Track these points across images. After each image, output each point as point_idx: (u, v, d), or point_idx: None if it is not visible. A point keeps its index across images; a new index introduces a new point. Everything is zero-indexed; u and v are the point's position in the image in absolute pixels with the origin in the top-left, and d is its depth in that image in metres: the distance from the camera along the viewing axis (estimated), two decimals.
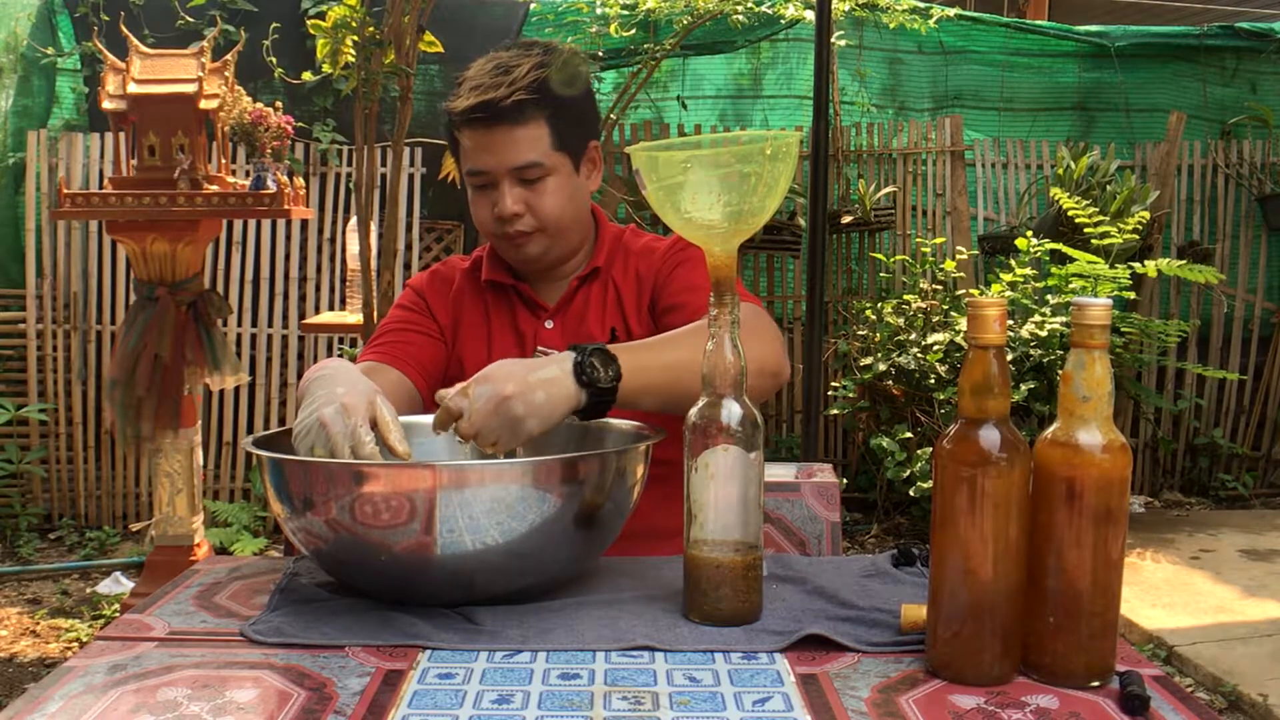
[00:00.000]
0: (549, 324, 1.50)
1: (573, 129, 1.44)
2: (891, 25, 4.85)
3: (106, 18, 4.42)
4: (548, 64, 1.40)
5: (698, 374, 1.10)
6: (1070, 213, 4.22)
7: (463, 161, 1.45)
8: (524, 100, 1.37)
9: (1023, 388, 3.82)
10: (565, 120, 1.42)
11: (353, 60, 3.12)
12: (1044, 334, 3.89)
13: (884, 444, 4.11)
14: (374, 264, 3.28)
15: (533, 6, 4.84)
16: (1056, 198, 4.37)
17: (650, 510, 1.24)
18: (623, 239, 1.54)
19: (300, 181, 3.29)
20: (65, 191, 2.99)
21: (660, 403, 1.22)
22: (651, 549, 1.31)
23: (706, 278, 1.43)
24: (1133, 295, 4.41)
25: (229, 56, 3.09)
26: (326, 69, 3.17)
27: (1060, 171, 4.64)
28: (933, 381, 4.10)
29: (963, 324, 3.96)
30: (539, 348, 1.48)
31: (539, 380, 1.11)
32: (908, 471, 4.01)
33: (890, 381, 4.24)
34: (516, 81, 1.38)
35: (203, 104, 2.97)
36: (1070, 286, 4.01)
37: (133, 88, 2.95)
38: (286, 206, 3.05)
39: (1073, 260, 3.98)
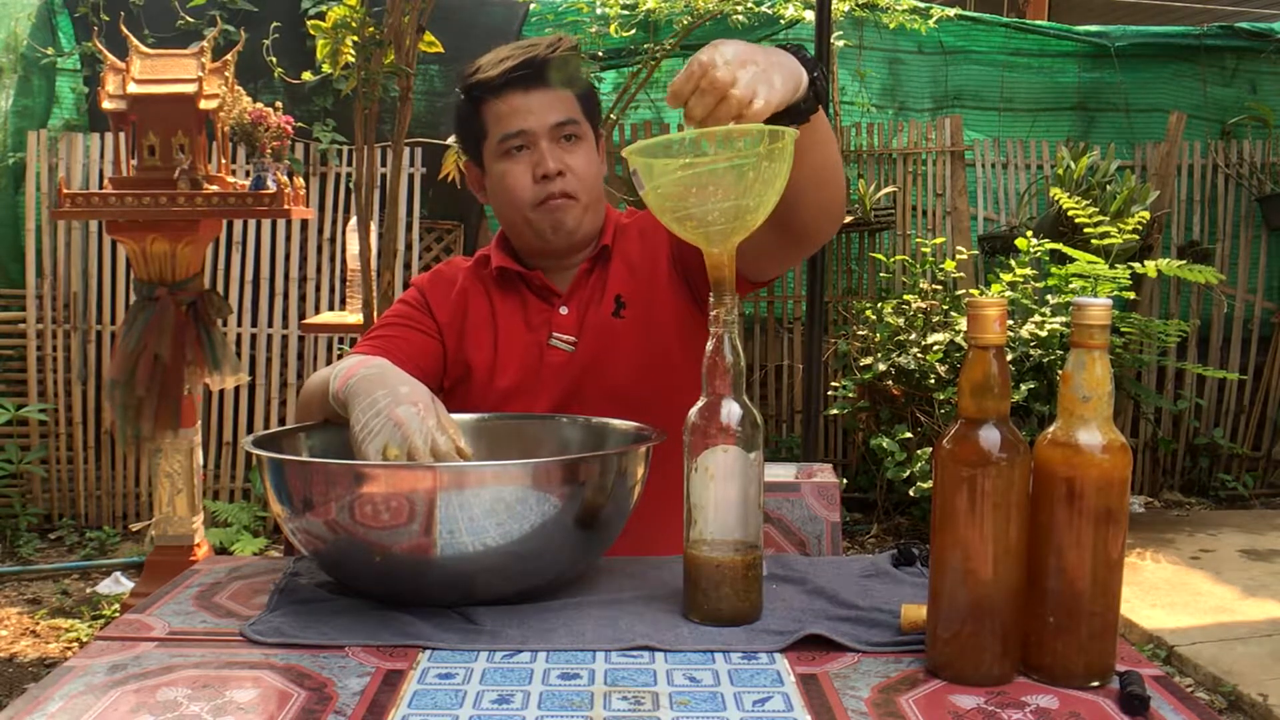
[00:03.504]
0: (564, 309, 1.49)
1: (590, 105, 1.50)
2: (891, 25, 4.85)
3: (106, 18, 4.42)
4: (564, 46, 1.46)
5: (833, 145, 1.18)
6: (1070, 213, 4.22)
7: (493, 133, 1.44)
8: (567, 58, 1.44)
9: (1023, 388, 3.82)
10: (584, 95, 1.49)
11: (353, 60, 3.12)
12: (1044, 334, 3.89)
13: (884, 444, 4.11)
14: (374, 264, 3.28)
15: (533, 6, 4.84)
16: (1056, 198, 4.37)
17: (645, 509, 1.24)
18: (620, 221, 1.56)
19: (300, 181, 3.29)
20: (65, 191, 2.99)
21: (819, 149, 1.18)
22: (648, 548, 1.31)
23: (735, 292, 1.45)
24: (1133, 295, 4.41)
25: (229, 56, 3.09)
26: (326, 69, 3.17)
27: (1060, 171, 4.64)
28: (933, 381, 4.10)
29: (963, 324, 3.96)
30: (554, 333, 1.47)
31: (768, 49, 1.07)
32: (908, 471, 4.01)
33: (890, 381, 4.24)
34: (553, 46, 1.44)
35: (203, 104, 2.97)
36: (1070, 286, 4.01)
37: (133, 88, 2.95)
38: (286, 206, 3.05)
39: (1073, 260, 3.98)
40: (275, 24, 3.91)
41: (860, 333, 4.55)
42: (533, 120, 1.42)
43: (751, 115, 1.00)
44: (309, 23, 3.28)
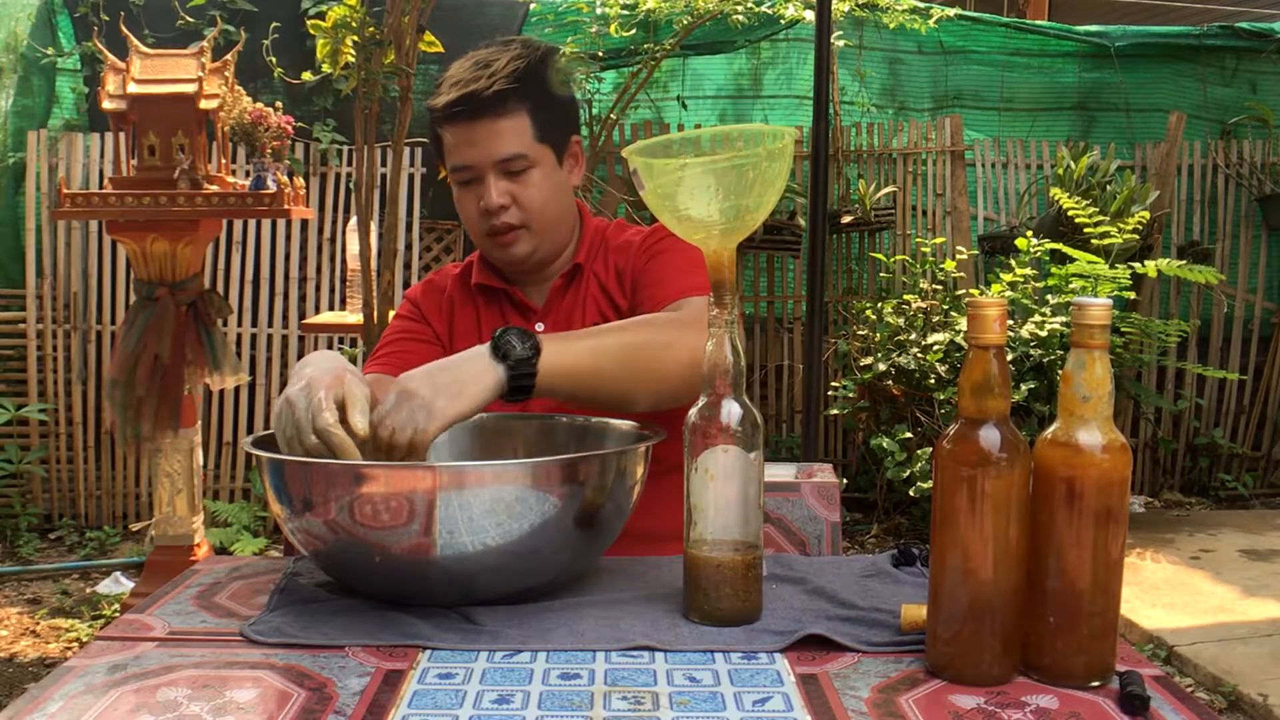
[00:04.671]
0: (540, 326, 1.49)
1: (554, 121, 1.44)
2: (891, 25, 4.85)
3: (106, 18, 4.42)
4: (526, 56, 1.41)
5: (625, 360, 1.15)
6: (1070, 213, 4.22)
7: (447, 159, 1.44)
8: (505, 91, 1.37)
9: (1023, 388, 3.82)
10: (547, 112, 1.43)
11: (353, 60, 3.12)
12: (1044, 334, 3.89)
13: (884, 444, 4.11)
14: (374, 264, 3.28)
15: (533, 6, 4.84)
16: (1056, 198, 4.37)
17: (645, 510, 1.24)
18: (605, 234, 1.54)
19: (300, 181, 3.29)
20: (65, 191, 2.99)
21: (587, 390, 1.21)
22: (647, 550, 1.31)
23: (677, 269, 1.42)
24: (1133, 295, 4.41)
25: (229, 56, 3.10)
26: (326, 69, 3.17)
27: (1060, 171, 4.64)
28: (933, 381, 4.10)
29: (963, 324, 3.96)
30: None
31: (446, 364, 1.13)
32: (908, 471, 4.01)
33: (890, 381, 4.23)
34: (497, 73, 1.38)
35: (203, 104, 2.97)
36: (1070, 286, 4.01)
37: (133, 88, 2.95)
38: (286, 206, 3.05)
39: (1073, 260, 3.98)
40: (275, 24, 3.91)
41: (860, 333, 4.55)
42: (478, 154, 1.40)
43: (419, 446, 1.07)
44: (309, 23, 3.28)
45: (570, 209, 1.51)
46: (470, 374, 1.12)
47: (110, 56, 3.04)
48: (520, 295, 1.51)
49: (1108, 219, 4.20)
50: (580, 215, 1.55)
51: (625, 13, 4.65)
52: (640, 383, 1.23)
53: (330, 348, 4.58)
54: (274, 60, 3.73)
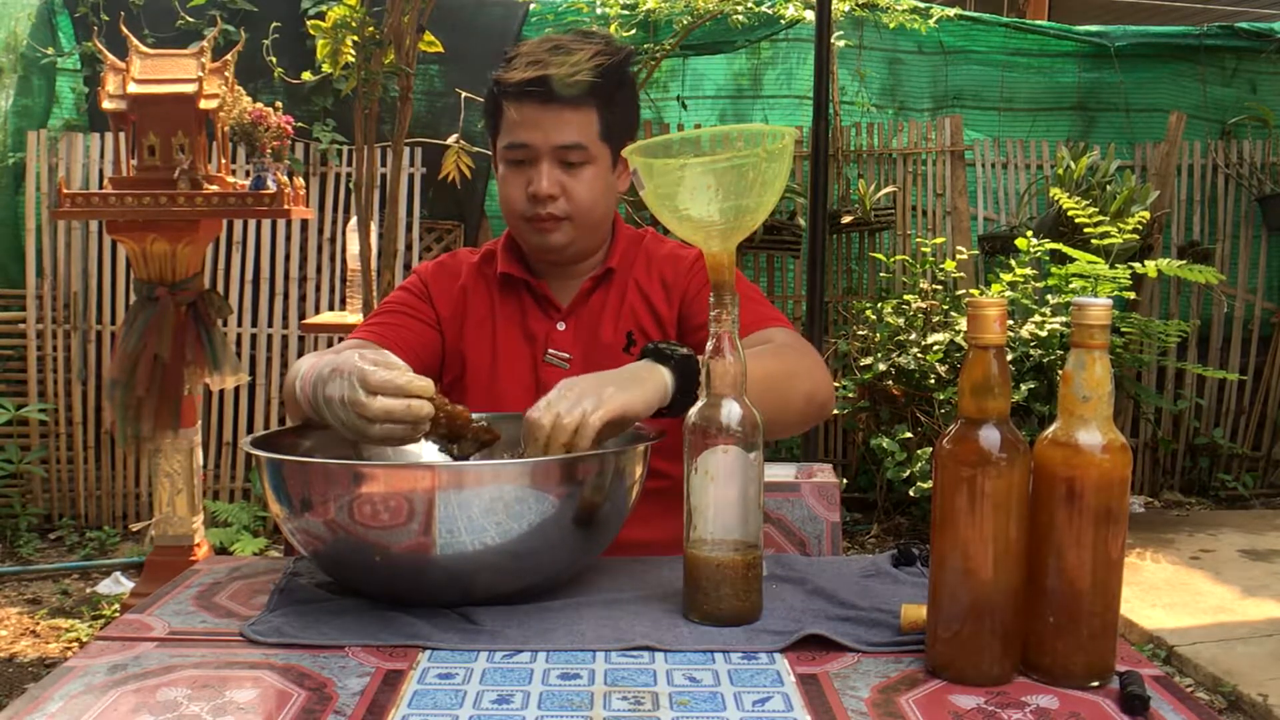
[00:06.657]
0: (561, 325, 1.47)
1: (620, 124, 1.44)
2: (891, 25, 4.85)
3: (106, 18, 4.42)
4: (609, 54, 1.41)
5: (762, 389, 1.11)
6: (1070, 213, 4.22)
7: (503, 135, 1.43)
8: (583, 83, 1.37)
9: (1023, 388, 3.82)
10: (615, 114, 1.43)
11: (353, 60, 3.13)
12: (1044, 334, 3.89)
13: (884, 444, 4.11)
14: (374, 264, 3.28)
15: (533, 6, 4.84)
16: (1056, 198, 4.37)
17: (647, 524, 1.24)
18: (643, 242, 1.53)
19: (300, 181, 3.29)
20: (65, 191, 2.99)
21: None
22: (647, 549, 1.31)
23: (743, 298, 1.42)
24: (1133, 295, 4.41)
25: (229, 56, 3.10)
26: (326, 69, 3.17)
27: (1060, 171, 4.64)
28: (933, 381, 4.10)
29: (963, 324, 3.96)
30: (550, 350, 1.46)
31: (613, 371, 1.14)
32: (908, 471, 4.01)
33: (890, 381, 4.23)
34: (579, 63, 1.38)
35: (203, 104, 2.97)
36: (1070, 286, 4.01)
37: (133, 88, 2.95)
38: (286, 206, 3.05)
39: (1073, 260, 3.98)
40: (275, 24, 3.91)
41: (860, 333, 4.55)
42: (538, 137, 1.39)
43: (586, 431, 1.06)
44: (309, 23, 3.29)
45: (612, 212, 1.50)
46: (639, 373, 1.13)
47: (110, 56, 3.04)
48: (546, 290, 1.49)
49: (1108, 219, 4.20)
50: (614, 221, 1.53)
51: (625, 13, 4.65)
52: (767, 412, 1.20)
53: (330, 348, 4.57)
54: (274, 60, 3.73)
